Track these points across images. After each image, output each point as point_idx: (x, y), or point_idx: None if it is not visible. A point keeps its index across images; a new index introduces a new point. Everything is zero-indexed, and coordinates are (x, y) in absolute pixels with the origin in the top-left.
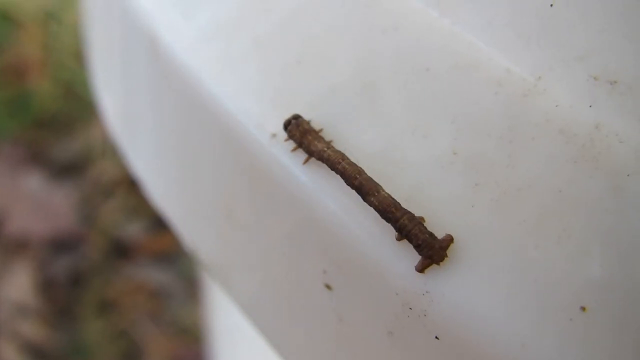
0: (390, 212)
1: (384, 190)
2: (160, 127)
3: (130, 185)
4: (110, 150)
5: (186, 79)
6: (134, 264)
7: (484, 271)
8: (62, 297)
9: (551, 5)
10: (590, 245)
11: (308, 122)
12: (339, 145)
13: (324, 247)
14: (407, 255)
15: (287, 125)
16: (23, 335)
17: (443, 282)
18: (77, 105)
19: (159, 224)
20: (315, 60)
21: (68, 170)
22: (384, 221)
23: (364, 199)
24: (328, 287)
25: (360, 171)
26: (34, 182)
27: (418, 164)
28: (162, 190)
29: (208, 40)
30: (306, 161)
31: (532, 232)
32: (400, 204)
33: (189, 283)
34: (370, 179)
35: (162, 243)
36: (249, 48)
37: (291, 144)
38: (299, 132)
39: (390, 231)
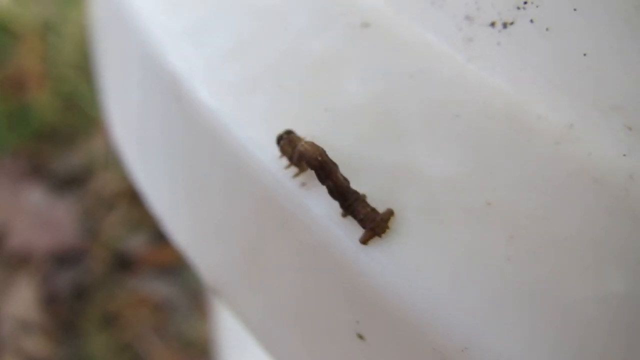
0: (343, 193)
1: (340, 173)
2: (181, 167)
3: (132, 197)
4: (111, 162)
5: (211, 126)
6: (138, 277)
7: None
8: (66, 312)
9: (584, 54)
10: None
11: (300, 138)
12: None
13: (360, 299)
14: (448, 314)
15: (279, 141)
16: (27, 350)
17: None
18: (77, 117)
19: (161, 236)
20: (341, 106)
21: (69, 183)
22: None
23: (321, 181)
24: (360, 337)
25: (322, 153)
26: (35, 196)
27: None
28: (181, 225)
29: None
30: (296, 175)
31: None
32: (350, 186)
33: (193, 295)
34: (330, 160)
35: (165, 255)
36: (276, 92)
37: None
38: (291, 147)
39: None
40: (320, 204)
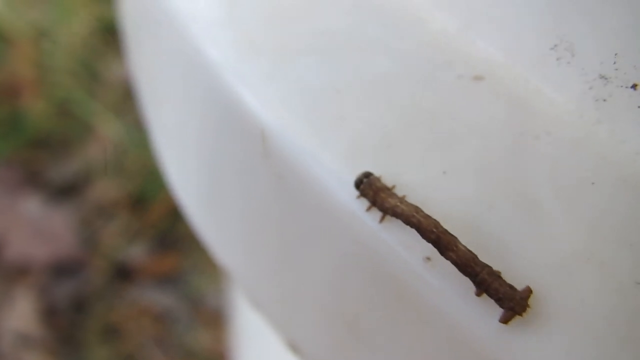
0: (470, 266)
1: (461, 244)
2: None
3: (130, 205)
4: (108, 170)
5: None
6: (138, 287)
7: None
8: (66, 324)
9: None
10: None
11: (379, 179)
12: None
13: None
14: None
15: (359, 184)
16: None
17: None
18: (72, 124)
19: (161, 245)
20: (460, 167)
21: (66, 191)
22: None
23: (442, 254)
24: None
25: (437, 224)
26: (31, 206)
27: (597, 293)
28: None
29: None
30: (382, 220)
31: None
32: (478, 258)
33: (194, 305)
34: (447, 232)
35: (165, 265)
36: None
37: (365, 202)
38: (372, 190)
39: None
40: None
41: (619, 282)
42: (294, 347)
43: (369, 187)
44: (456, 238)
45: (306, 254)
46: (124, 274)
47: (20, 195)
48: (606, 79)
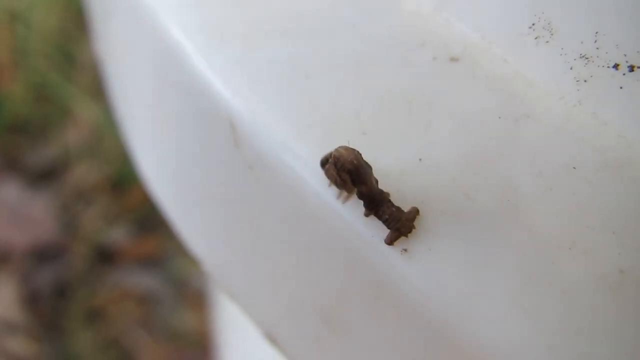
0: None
1: (374, 177)
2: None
3: (110, 188)
4: (87, 154)
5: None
6: (120, 271)
7: None
8: (49, 310)
9: None
10: None
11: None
12: None
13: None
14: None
15: (324, 165)
16: (10, 352)
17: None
18: (49, 109)
19: (142, 227)
20: (435, 155)
21: (45, 176)
22: None
23: (355, 185)
24: None
25: (358, 156)
26: (10, 191)
27: (580, 283)
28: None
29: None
30: (345, 199)
31: None
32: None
33: (178, 286)
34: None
35: (147, 247)
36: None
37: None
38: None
39: None
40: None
41: (602, 271)
42: (270, 338)
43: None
44: (371, 169)
45: (279, 246)
46: (105, 257)
47: None
48: (587, 58)
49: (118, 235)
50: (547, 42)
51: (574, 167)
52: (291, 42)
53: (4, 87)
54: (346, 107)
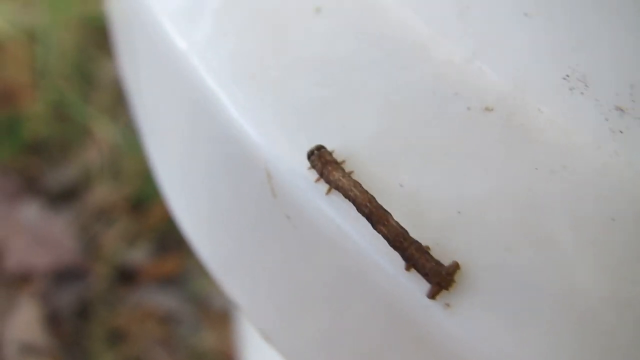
0: (399, 241)
1: (394, 219)
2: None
3: (130, 208)
4: (106, 173)
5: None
6: (141, 290)
7: None
8: (70, 331)
9: None
10: None
11: (330, 153)
12: None
13: None
14: None
15: (310, 156)
16: None
17: None
18: (68, 129)
19: (162, 247)
20: (471, 205)
21: (65, 196)
22: None
23: (374, 227)
24: None
25: (372, 199)
26: (30, 212)
27: (623, 338)
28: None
29: None
30: (328, 192)
31: None
32: (408, 233)
33: (198, 305)
34: (381, 206)
35: (167, 266)
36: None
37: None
38: (321, 162)
39: None
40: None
41: None
42: None
43: (318, 159)
44: (389, 214)
45: (318, 294)
46: (126, 277)
47: (18, 202)
48: (622, 110)
49: (138, 255)
50: (582, 93)
51: (613, 219)
52: (326, 90)
53: (23, 108)
54: (382, 157)
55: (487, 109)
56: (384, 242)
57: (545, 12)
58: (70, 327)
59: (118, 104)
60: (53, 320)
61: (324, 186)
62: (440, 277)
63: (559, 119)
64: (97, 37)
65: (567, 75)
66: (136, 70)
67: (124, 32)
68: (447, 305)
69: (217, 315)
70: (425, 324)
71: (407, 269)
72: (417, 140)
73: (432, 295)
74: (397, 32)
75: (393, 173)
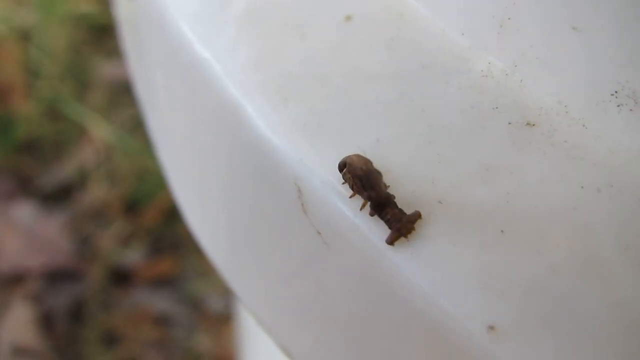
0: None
1: (384, 183)
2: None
3: (124, 209)
4: (101, 174)
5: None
6: (136, 292)
7: None
8: (64, 333)
9: None
10: None
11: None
12: None
13: None
14: None
15: (341, 168)
16: None
17: None
18: (62, 129)
19: (157, 248)
20: (519, 227)
21: (59, 197)
22: None
23: (365, 190)
24: None
25: (368, 162)
26: (24, 213)
27: None
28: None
29: None
30: (362, 207)
31: None
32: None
33: (194, 307)
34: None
35: (162, 268)
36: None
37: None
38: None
39: None
40: None
41: None
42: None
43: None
44: (380, 175)
45: (351, 311)
46: (121, 278)
47: (11, 202)
48: None
49: (133, 256)
50: (631, 110)
51: None
52: (360, 104)
53: (16, 107)
54: (420, 175)
55: (529, 124)
56: (422, 262)
57: (595, 27)
58: (64, 329)
59: (112, 103)
60: (47, 322)
61: (358, 201)
62: (400, 224)
63: (604, 135)
64: (91, 36)
65: (616, 92)
66: (150, 76)
67: (138, 40)
68: (492, 328)
69: (213, 317)
70: (466, 348)
71: (371, 214)
72: (456, 156)
73: (391, 241)
74: (432, 42)
75: (432, 189)
